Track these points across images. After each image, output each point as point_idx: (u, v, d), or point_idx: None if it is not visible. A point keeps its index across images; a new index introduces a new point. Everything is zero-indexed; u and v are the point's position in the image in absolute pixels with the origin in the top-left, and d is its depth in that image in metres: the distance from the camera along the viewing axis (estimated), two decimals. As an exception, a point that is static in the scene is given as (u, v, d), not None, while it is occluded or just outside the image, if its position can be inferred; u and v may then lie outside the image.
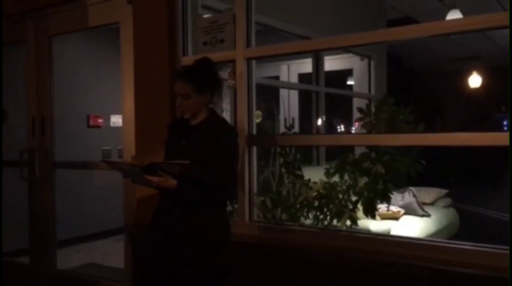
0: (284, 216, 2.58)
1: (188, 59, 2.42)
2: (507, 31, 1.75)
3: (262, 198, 2.55)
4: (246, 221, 2.36)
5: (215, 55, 2.03)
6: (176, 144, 1.90)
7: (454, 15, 4.33)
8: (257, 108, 3.60)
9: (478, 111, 11.95)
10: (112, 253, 4.21)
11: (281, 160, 2.68)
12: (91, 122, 5.31)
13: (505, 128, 13.10)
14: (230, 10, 2.39)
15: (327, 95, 4.82)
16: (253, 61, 2.38)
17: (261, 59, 2.49)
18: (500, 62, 11.08)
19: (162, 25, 2.49)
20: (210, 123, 1.88)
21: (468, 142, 1.88)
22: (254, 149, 2.41)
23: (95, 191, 5.08)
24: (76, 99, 5.08)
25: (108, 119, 5.46)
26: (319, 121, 4.74)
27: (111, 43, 3.44)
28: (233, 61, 2.39)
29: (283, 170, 2.68)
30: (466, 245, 1.83)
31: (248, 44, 2.33)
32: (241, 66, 2.33)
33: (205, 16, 2.55)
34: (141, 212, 2.49)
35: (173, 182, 1.74)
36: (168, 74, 2.46)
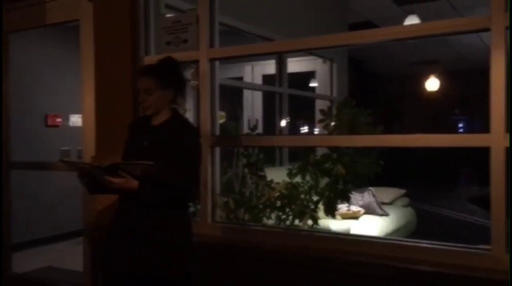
0: (247, 217, 2.59)
1: (150, 59, 2.40)
2: (463, 36, 1.82)
3: (225, 199, 2.55)
4: (209, 221, 2.36)
5: (178, 55, 2.02)
6: (138, 145, 1.87)
7: (412, 20, 4.47)
8: (221, 109, 3.60)
9: (436, 114, 12.37)
10: (72, 256, 4.11)
11: (244, 160, 2.69)
12: (49, 122, 5.16)
13: (460, 130, 13.62)
14: (194, 10, 2.38)
15: (290, 97, 4.88)
16: (217, 62, 2.38)
17: (225, 60, 2.49)
18: (456, 66, 11.55)
19: (124, 24, 2.46)
20: (173, 124, 1.86)
21: (424, 143, 1.94)
22: (217, 149, 2.41)
23: (54, 192, 4.94)
24: (34, 98, 4.93)
25: (67, 119, 5.32)
26: (283, 123, 4.78)
27: (71, 41, 3.36)
28: (196, 62, 2.38)
29: (246, 170, 2.69)
30: (425, 244, 1.89)
31: (211, 45, 2.34)
32: (204, 67, 2.32)
33: (168, 15, 2.53)
34: (101, 213, 2.44)
35: (135, 183, 1.72)
36: (130, 74, 2.43)
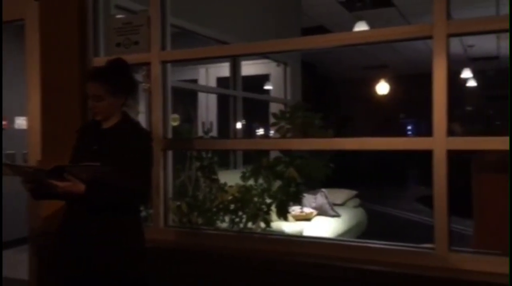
0: (200, 220, 2.58)
1: (100, 61, 2.33)
2: (411, 43, 1.90)
3: (178, 203, 2.53)
4: (161, 226, 2.32)
5: (129, 57, 1.98)
6: (87, 148, 1.82)
7: (361, 26, 4.59)
8: (175, 112, 3.55)
9: (386, 117, 12.77)
10: (17, 264, 3.93)
11: (198, 163, 2.67)
12: (-7, 124, 4.92)
13: (409, 133, 14.12)
14: (145, 11, 2.35)
15: (246, 100, 4.89)
16: (169, 65, 2.36)
17: (177, 62, 2.47)
18: (404, 71, 11.97)
19: (71, 24, 2.38)
20: (124, 127, 1.82)
21: (372, 147, 2.00)
22: (170, 153, 2.38)
23: (-3, 198, 4.71)
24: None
25: (12, 121, 5.10)
26: (238, 125, 4.79)
27: (16, 41, 3.23)
28: (148, 64, 2.34)
29: (199, 174, 2.68)
30: (374, 244, 1.94)
31: (163, 47, 2.31)
32: (156, 69, 2.29)
33: (118, 16, 2.48)
34: (47, 219, 2.35)
35: (81, 186, 1.66)
36: (78, 75, 2.36)
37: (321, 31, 6.97)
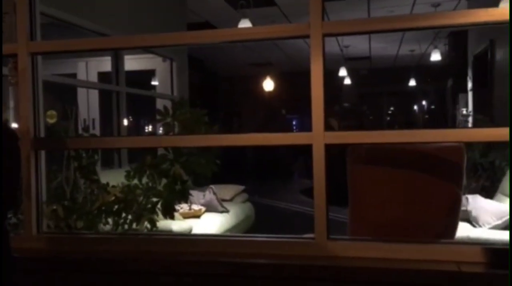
0: (80, 224, 2.42)
1: (-45, 50, 2.06)
2: (293, 42, 1.95)
3: (54, 206, 2.34)
4: (34, 233, 2.12)
5: (-9, 48, 1.78)
6: None
7: (245, 24, 4.68)
8: (53, 108, 3.28)
9: (272, 113, 13.22)
10: None
11: (76, 163, 2.49)
12: None
13: (294, 128, 14.79)
14: (10, -2, 2.12)
15: (132, 96, 4.71)
16: (39, 57, 2.16)
17: (49, 54, 2.27)
18: (288, 69, 12.50)
19: None
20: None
21: (257, 142, 2.03)
22: (43, 153, 2.19)
23: None
24: None
25: None
26: (125, 122, 4.59)
27: None
28: (14, 56, 2.12)
29: (78, 174, 2.50)
30: (261, 237, 1.98)
31: (32, 38, 2.10)
32: (24, 62, 2.08)
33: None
34: None
35: None
36: None
37: (207, 27, 6.98)
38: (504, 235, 3.55)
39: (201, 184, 4.90)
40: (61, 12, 3.13)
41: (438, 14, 1.68)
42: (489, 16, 1.63)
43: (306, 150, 1.91)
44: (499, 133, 1.65)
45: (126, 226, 2.42)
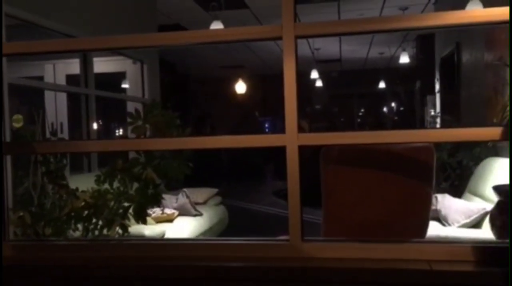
0: (49, 231, 2.35)
1: None
2: (264, 44, 1.95)
3: (21, 213, 2.26)
4: (-1, 241, 2.05)
5: (-49, 49, 1.71)
6: None
7: (217, 26, 4.67)
8: (19, 112, 3.19)
9: (245, 115, 13.22)
10: None
11: (43, 168, 2.43)
12: None
13: (267, 130, 14.83)
14: (-28, -3, 2.04)
15: (102, 99, 4.62)
16: (4, 59, 2.08)
17: (12, 56, 2.20)
18: (260, 71, 12.54)
19: None
20: None
21: (229, 144, 2.02)
22: (8, 158, 2.12)
23: None
24: None
25: None
26: (94, 126, 4.50)
27: None
28: (-23, 57, 2.05)
29: (45, 179, 2.43)
30: (234, 240, 1.96)
31: (-4, 39, 2.03)
32: (-13, 64, 2.01)
33: None
34: None
35: None
36: None
37: (179, 29, 6.92)
38: (472, 233, 3.64)
39: (174, 187, 4.85)
40: (26, 13, 3.04)
41: (408, 16, 1.71)
42: (456, 19, 1.67)
43: (277, 152, 1.90)
44: (466, 133, 1.69)
45: (96, 232, 2.36)
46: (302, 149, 1.78)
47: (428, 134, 1.88)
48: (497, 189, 1.94)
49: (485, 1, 4.50)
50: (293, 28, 1.76)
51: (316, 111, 14.83)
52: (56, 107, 5.25)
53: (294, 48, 1.77)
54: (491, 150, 4.53)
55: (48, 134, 3.06)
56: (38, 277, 1.97)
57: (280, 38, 1.80)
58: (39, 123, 2.62)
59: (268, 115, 14.72)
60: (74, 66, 4.99)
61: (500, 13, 1.57)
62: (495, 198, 1.97)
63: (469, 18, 1.66)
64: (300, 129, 1.81)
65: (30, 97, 5.21)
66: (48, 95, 5.24)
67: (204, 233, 4.43)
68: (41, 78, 5.32)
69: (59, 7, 3.75)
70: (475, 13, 1.65)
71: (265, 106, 13.70)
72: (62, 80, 5.35)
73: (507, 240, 1.63)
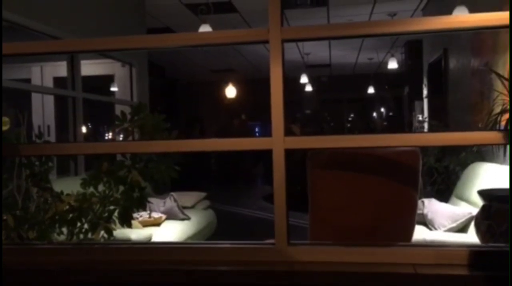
0: (33, 234, 2.32)
1: None
2: (254, 48, 1.95)
3: (5, 216, 2.23)
4: (-19, 245, 2.01)
5: None
6: None
7: (205, 29, 4.67)
8: (5, 115, 3.15)
9: (234, 119, 13.21)
10: None
11: (28, 171, 2.39)
12: None
13: (256, 134, 14.83)
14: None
15: (90, 102, 4.59)
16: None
17: (4, 58, 2.17)
18: (250, 75, 12.54)
19: None
20: None
21: (217, 148, 2.01)
22: (-8, 160, 2.09)
23: None
24: None
25: None
26: (82, 129, 4.46)
27: None
28: (-39, 58, 2.02)
29: (30, 182, 2.40)
30: (222, 244, 1.94)
31: (-20, 40, 2.01)
32: (-30, 64, 1.98)
33: None
34: None
35: None
36: None
37: (168, 33, 6.91)
38: (458, 238, 3.66)
39: (162, 191, 4.81)
40: (11, 14, 3.01)
41: (397, 21, 1.72)
42: (443, 24, 1.68)
43: (267, 157, 1.90)
44: (453, 137, 1.70)
45: (81, 236, 2.34)
46: (290, 154, 1.77)
47: (415, 138, 1.89)
48: (482, 193, 1.95)
49: (471, 7, 4.56)
50: (279, 32, 1.76)
51: (306, 116, 14.87)
52: (43, 110, 5.20)
53: (280, 51, 1.77)
54: (476, 154, 4.57)
55: (33, 137, 3.02)
56: (21, 282, 1.94)
57: (266, 41, 1.80)
58: (24, 125, 2.59)
59: (258, 119, 14.73)
60: (61, 68, 4.94)
61: (496, 17, 1.58)
62: (480, 202, 1.99)
63: (457, 23, 1.67)
64: (292, 134, 1.81)
65: (17, 100, 5.16)
66: (35, 97, 5.19)
67: (192, 237, 4.39)
68: (28, 80, 5.27)
69: (46, 9, 3.72)
70: (463, 18, 1.66)
71: (255, 110, 13.71)
72: (49, 83, 5.30)
73: (491, 244, 1.64)
